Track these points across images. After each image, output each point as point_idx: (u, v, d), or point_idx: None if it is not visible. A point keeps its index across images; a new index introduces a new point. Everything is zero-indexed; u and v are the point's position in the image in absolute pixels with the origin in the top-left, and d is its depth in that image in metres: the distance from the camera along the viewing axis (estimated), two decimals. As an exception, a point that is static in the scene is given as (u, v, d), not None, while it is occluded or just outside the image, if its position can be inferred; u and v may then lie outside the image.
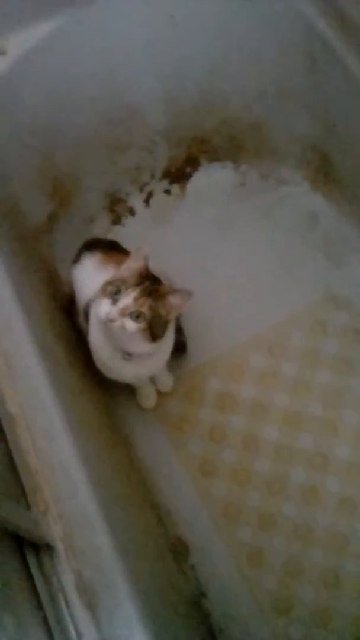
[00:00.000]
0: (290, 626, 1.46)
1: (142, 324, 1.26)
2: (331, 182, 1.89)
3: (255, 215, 1.93)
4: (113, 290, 1.27)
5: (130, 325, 1.26)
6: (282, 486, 1.59)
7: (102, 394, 1.64)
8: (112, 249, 1.60)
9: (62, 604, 0.97)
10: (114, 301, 1.26)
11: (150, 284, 1.29)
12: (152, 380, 1.67)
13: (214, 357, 1.75)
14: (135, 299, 1.26)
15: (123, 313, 1.25)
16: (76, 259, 1.59)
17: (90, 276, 1.50)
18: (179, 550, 1.51)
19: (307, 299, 1.80)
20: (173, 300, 1.30)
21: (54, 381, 1.19)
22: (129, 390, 1.66)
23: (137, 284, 1.27)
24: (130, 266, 1.31)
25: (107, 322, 1.27)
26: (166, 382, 1.70)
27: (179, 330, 1.62)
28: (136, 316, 1.25)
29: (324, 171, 1.89)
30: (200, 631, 1.39)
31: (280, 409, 1.67)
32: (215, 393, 1.70)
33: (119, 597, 0.98)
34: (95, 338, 1.42)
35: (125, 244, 1.66)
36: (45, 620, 0.92)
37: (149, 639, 0.96)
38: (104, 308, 1.27)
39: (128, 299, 1.26)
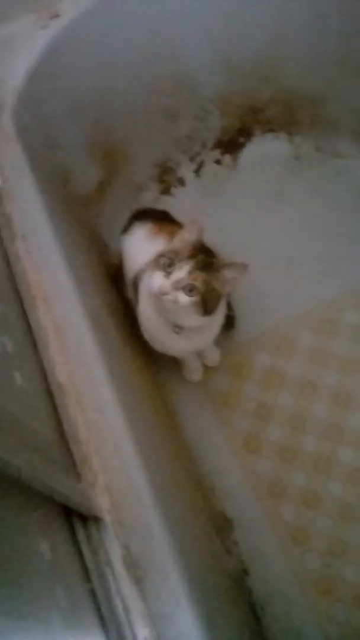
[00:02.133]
0: (333, 607, 1.44)
1: (195, 298, 1.24)
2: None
3: (309, 189, 1.88)
4: (166, 263, 1.24)
5: (183, 298, 1.23)
6: (329, 465, 1.56)
7: (150, 366, 1.62)
8: (164, 219, 1.57)
9: (110, 577, 0.96)
10: (167, 274, 1.24)
11: (205, 257, 1.26)
12: (199, 354, 1.64)
13: (262, 332, 1.72)
14: (189, 272, 1.23)
15: (176, 286, 1.23)
16: (126, 229, 1.57)
17: (140, 246, 1.47)
18: (222, 526, 1.50)
19: (360, 276, 1.76)
20: (228, 274, 1.26)
21: (103, 351, 1.17)
22: (176, 364, 1.64)
23: (191, 257, 1.24)
24: (185, 238, 1.27)
25: (160, 295, 1.24)
26: (213, 356, 1.67)
27: (228, 305, 1.59)
28: (189, 290, 1.23)
29: (382, 144, 1.84)
30: (243, 608, 1.38)
31: (328, 388, 1.64)
32: (263, 369, 1.68)
33: (166, 572, 0.97)
34: (145, 310, 1.40)
35: (174, 214, 1.63)
36: (92, 593, 0.91)
37: (195, 615, 0.95)
38: (156, 281, 1.24)
39: (182, 272, 1.23)
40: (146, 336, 1.46)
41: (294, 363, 1.67)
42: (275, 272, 1.76)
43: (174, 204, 1.88)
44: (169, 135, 1.88)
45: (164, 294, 1.23)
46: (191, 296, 1.23)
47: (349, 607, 1.44)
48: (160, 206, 1.82)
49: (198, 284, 1.23)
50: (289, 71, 1.82)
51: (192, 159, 1.94)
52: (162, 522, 1.01)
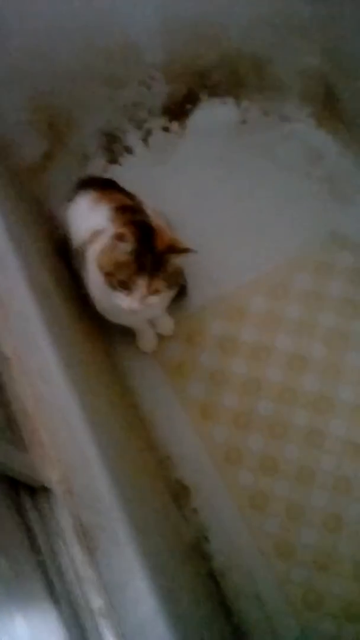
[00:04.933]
0: (293, 570, 1.45)
1: (162, 293, 1.28)
2: (336, 118, 1.82)
3: (257, 153, 1.86)
4: (122, 285, 1.25)
5: (154, 300, 1.28)
6: (285, 429, 1.56)
7: (102, 337, 1.60)
8: (107, 187, 1.54)
9: (61, 548, 0.95)
10: (128, 291, 1.25)
11: (152, 260, 1.24)
12: (153, 323, 1.63)
13: (215, 300, 1.70)
14: (148, 285, 1.24)
15: (143, 301, 1.26)
16: (70, 199, 1.54)
17: (83, 216, 1.44)
18: (180, 494, 1.50)
19: (311, 239, 1.75)
20: (177, 260, 1.28)
21: (49, 322, 1.15)
22: (129, 335, 1.62)
23: (140, 267, 1.24)
24: (122, 248, 1.25)
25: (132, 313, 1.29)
26: (167, 325, 1.66)
27: (180, 273, 1.58)
28: (155, 292, 1.26)
29: (329, 107, 1.82)
30: (202, 575, 1.38)
31: (282, 352, 1.63)
32: (216, 336, 1.67)
33: (119, 540, 0.96)
34: (94, 283, 1.37)
35: (124, 183, 1.60)
36: (42, 564, 0.90)
37: (150, 582, 0.95)
38: (123, 303, 1.27)
39: (141, 288, 1.24)
40: (97, 308, 1.44)
41: (247, 329, 1.66)
42: (226, 238, 1.75)
43: (123, 173, 1.84)
44: (114, 102, 1.84)
45: (137, 311, 1.27)
46: (159, 295, 1.27)
47: (309, 569, 1.45)
48: (109, 176, 1.79)
49: (160, 286, 1.26)
50: (233, 34, 1.79)
51: (139, 127, 1.90)
52: (114, 492, 1.00)
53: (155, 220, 1.51)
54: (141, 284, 1.24)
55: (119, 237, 1.24)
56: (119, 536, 0.96)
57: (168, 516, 1.38)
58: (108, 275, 1.26)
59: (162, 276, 1.25)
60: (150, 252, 1.24)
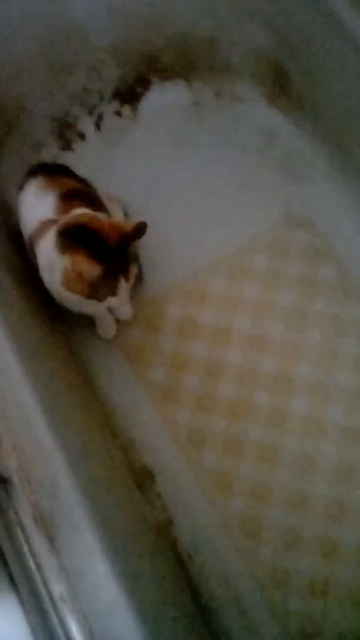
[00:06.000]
0: (259, 548, 1.46)
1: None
2: (288, 98, 1.81)
3: (210, 135, 1.85)
4: (106, 295, 1.27)
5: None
6: (247, 410, 1.57)
7: (60, 325, 1.59)
8: (57, 173, 1.52)
9: (20, 536, 0.94)
10: (113, 294, 1.27)
11: (117, 259, 1.24)
12: (111, 310, 1.62)
13: (173, 283, 1.70)
14: (127, 279, 1.27)
15: (127, 292, 1.30)
16: (20, 187, 1.51)
17: (32, 203, 1.42)
18: (144, 479, 1.50)
19: (267, 219, 1.75)
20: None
21: (3, 311, 1.14)
22: (88, 322, 1.61)
23: (113, 274, 1.24)
24: (87, 271, 1.24)
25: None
26: (126, 311, 1.65)
27: (135, 258, 1.57)
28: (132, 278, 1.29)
29: (281, 86, 1.81)
30: (168, 558, 1.39)
31: (242, 333, 1.64)
32: (176, 320, 1.66)
33: (78, 527, 0.96)
34: (49, 280, 1.35)
35: (78, 169, 1.58)
36: (1, 552, 0.90)
37: (111, 567, 0.95)
38: (111, 302, 1.31)
39: (122, 286, 1.26)
40: (55, 296, 1.42)
41: (206, 312, 1.66)
42: (182, 221, 1.74)
43: (76, 159, 1.82)
44: (64, 87, 1.81)
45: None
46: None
47: (275, 547, 1.46)
48: (62, 162, 1.77)
49: (134, 272, 1.29)
50: (181, 15, 1.78)
51: (90, 112, 1.88)
52: (72, 478, 1.01)
53: (108, 205, 1.50)
54: (121, 283, 1.24)
55: (79, 275, 1.23)
56: (78, 521, 0.96)
57: (131, 501, 1.38)
58: (90, 296, 1.27)
59: (130, 263, 1.25)
60: (111, 256, 1.23)
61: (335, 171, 1.76)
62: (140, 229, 1.25)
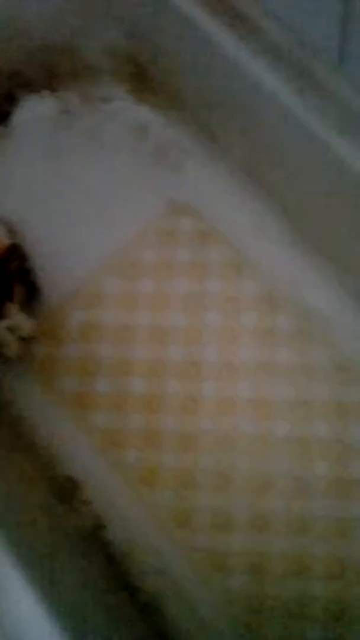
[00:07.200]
0: (193, 535, 1.46)
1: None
2: (152, 92, 1.84)
3: (84, 139, 1.86)
4: None
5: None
6: (160, 402, 1.57)
7: None
8: None
9: None
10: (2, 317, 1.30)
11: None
12: (11, 327, 1.61)
13: (70, 291, 1.69)
14: (16, 307, 1.34)
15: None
16: None
17: None
18: (69, 489, 1.49)
19: (150, 212, 1.76)
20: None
21: None
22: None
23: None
24: None
25: None
26: (26, 327, 1.64)
27: (29, 272, 1.58)
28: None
29: (143, 82, 1.84)
30: (99, 563, 1.38)
31: (144, 328, 1.64)
32: (79, 326, 1.66)
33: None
34: None
35: None
36: None
37: (25, 580, 0.94)
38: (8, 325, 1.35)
39: (14, 312, 1.34)
40: None
41: (106, 313, 1.67)
42: (68, 228, 1.74)
43: None
44: None
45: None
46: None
47: (208, 532, 1.46)
48: None
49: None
50: (34, 27, 1.78)
51: None
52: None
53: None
54: (6, 306, 1.22)
55: None
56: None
57: (50, 513, 1.37)
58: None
59: (13, 282, 1.23)
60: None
61: (210, 158, 1.79)
62: (11, 251, 1.23)
